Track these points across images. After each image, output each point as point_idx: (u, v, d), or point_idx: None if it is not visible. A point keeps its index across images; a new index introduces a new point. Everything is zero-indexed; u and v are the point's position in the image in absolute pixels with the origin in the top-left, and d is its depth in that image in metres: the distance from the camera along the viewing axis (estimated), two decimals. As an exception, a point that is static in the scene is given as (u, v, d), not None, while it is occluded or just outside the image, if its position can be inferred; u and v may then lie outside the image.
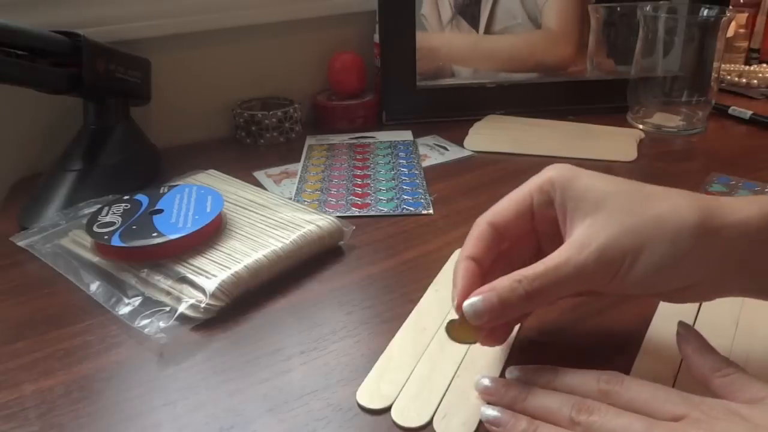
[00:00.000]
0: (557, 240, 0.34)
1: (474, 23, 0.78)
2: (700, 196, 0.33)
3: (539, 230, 0.37)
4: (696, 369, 0.32)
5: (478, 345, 0.38)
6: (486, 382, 0.34)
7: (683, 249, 0.31)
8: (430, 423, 0.33)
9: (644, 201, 0.32)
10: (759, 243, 0.31)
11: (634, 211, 0.32)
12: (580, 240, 0.32)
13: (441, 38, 0.78)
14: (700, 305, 0.41)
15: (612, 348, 0.38)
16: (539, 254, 0.35)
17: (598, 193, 0.33)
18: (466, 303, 0.33)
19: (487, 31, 0.79)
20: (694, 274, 0.31)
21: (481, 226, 0.36)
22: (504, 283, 0.32)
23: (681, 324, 0.34)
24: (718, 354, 0.32)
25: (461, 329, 0.33)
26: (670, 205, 0.32)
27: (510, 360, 0.37)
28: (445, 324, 0.40)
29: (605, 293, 0.33)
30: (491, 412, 0.32)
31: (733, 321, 0.39)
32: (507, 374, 0.35)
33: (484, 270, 0.35)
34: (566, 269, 0.32)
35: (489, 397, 0.34)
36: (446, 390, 0.35)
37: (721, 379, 0.31)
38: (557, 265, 0.32)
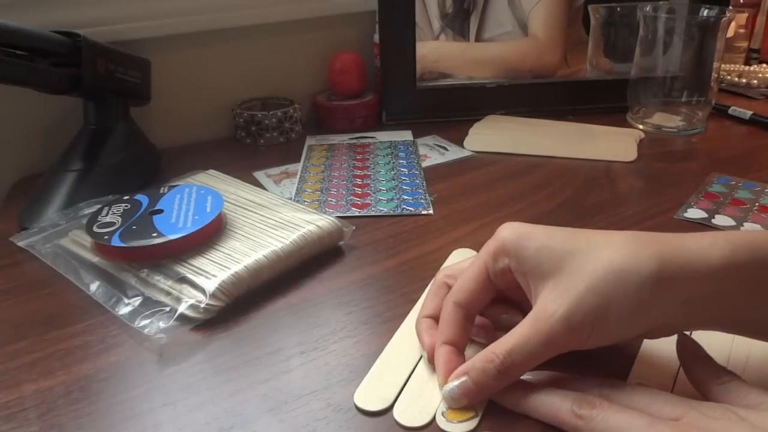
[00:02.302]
0: (525, 296, 0.35)
1: (464, 33, 0.79)
2: (659, 240, 0.33)
3: (505, 291, 0.37)
4: (694, 377, 0.32)
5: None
6: None
7: (647, 297, 0.31)
8: (431, 422, 0.33)
9: (602, 256, 0.32)
10: (722, 283, 0.31)
11: (595, 269, 0.32)
12: (545, 307, 0.32)
13: (429, 46, 0.79)
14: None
15: (610, 352, 0.37)
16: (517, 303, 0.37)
17: (555, 254, 0.33)
18: (445, 390, 0.33)
19: (478, 40, 0.79)
20: (663, 316, 0.32)
21: (448, 308, 0.36)
22: (477, 364, 0.33)
23: (681, 334, 0.34)
24: (716, 363, 0.32)
25: (456, 411, 0.33)
26: (629, 256, 0.31)
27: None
28: None
29: (583, 349, 0.33)
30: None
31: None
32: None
33: (462, 349, 0.36)
34: (536, 341, 0.32)
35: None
36: None
37: (719, 386, 0.31)
38: (527, 339, 0.32)
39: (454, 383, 0.33)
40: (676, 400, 0.30)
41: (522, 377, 0.34)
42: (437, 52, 0.79)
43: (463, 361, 0.35)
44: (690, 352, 0.33)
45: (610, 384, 0.32)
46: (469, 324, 0.36)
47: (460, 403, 0.33)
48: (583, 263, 0.32)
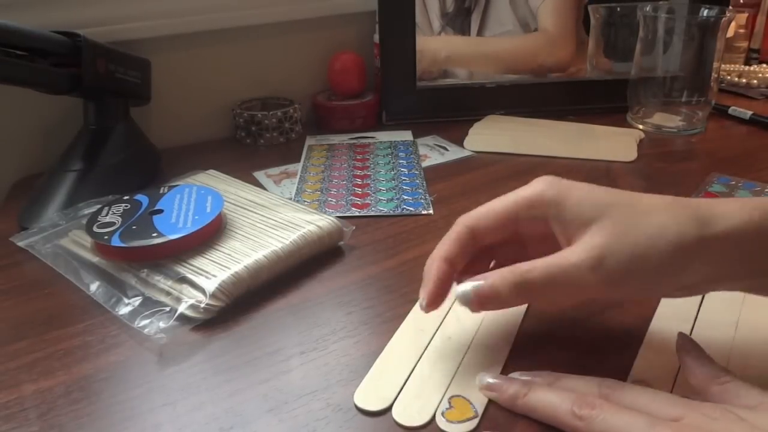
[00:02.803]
0: (545, 246, 0.35)
1: (464, 32, 0.79)
2: (696, 205, 0.33)
3: (525, 237, 0.37)
4: (694, 377, 0.32)
5: (479, 343, 0.38)
6: (488, 379, 0.35)
7: (684, 258, 0.31)
8: (430, 422, 0.33)
9: (645, 212, 0.33)
10: (755, 244, 0.31)
11: (636, 223, 0.32)
12: (581, 247, 0.33)
13: (441, 40, 0.79)
14: (700, 306, 0.41)
15: (612, 348, 0.38)
16: (524, 257, 0.36)
17: (596, 204, 0.33)
18: (459, 289, 0.34)
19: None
20: (695, 275, 0.32)
21: (459, 228, 0.37)
22: (497, 272, 0.33)
23: (680, 334, 0.34)
24: (716, 363, 0.32)
25: (458, 411, 0.34)
26: (671, 217, 0.32)
27: (510, 359, 0.37)
28: (440, 338, 0.40)
29: (601, 297, 0.33)
30: (488, 379, 0.34)
31: (732, 322, 0.39)
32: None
33: (456, 271, 0.37)
34: (561, 270, 0.32)
35: (491, 393, 0.34)
36: (447, 388, 0.35)
37: (719, 386, 0.31)
38: (552, 264, 0.33)
39: (469, 284, 0.34)
40: (676, 401, 0.30)
41: (522, 377, 0.34)
42: (448, 46, 0.79)
43: (450, 286, 0.36)
44: (689, 352, 0.33)
45: (609, 384, 0.33)
46: (472, 249, 0.37)
47: (467, 303, 0.34)
48: (625, 215, 0.33)
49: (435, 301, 0.36)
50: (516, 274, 0.33)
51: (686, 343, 0.34)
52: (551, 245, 0.35)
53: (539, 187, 0.35)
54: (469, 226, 0.36)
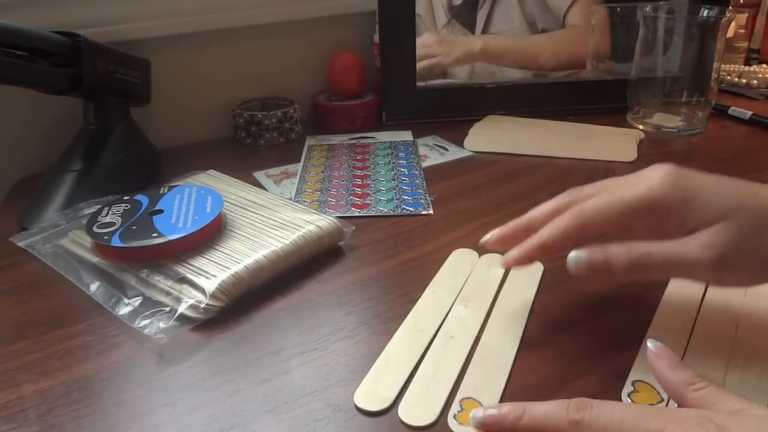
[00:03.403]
0: (656, 231, 0.35)
1: (470, 27, 0.79)
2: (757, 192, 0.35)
3: (636, 226, 0.37)
4: (669, 384, 0.31)
5: (484, 343, 0.38)
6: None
7: None
8: (436, 422, 0.33)
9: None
10: None
11: (761, 229, 0.33)
12: (702, 242, 0.33)
13: (482, 40, 0.79)
14: (700, 306, 0.41)
15: (612, 348, 0.38)
16: (631, 236, 0.37)
17: (723, 204, 0.34)
18: (573, 252, 0.35)
19: (484, 33, 0.79)
20: None
21: (571, 222, 0.37)
22: (613, 248, 0.34)
23: (651, 341, 0.33)
24: (690, 369, 0.31)
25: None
26: None
27: (517, 358, 0.37)
28: (443, 337, 0.39)
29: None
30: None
31: (733, 322, 0.39)
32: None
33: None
34: (679, 261, 0.33)
35: None
36: (454, 389, 0.35)
37: (696, 393, 0.30)
38: (671, 253, 0.33)
39: (584, 251, 0.35)
40: (651, 414, 0.29)
41: (489, 413, 0.32)
42: (487, 45, 0.79)
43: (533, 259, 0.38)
44: (663, 359, 0.32)
45: (577, 407, 0.30)
46: (573, 242, 0.37)
47: (577, 266, 0.35)
48: (751, 219, 0.34)
49: (504, 242, 0.39)
50: (633, 255, 0.34)
51: (659, 350, 0.32)
52: (663, 228, 0.35)
53: (662, 190, 0.35)
54: (583, 222, 0.36)
